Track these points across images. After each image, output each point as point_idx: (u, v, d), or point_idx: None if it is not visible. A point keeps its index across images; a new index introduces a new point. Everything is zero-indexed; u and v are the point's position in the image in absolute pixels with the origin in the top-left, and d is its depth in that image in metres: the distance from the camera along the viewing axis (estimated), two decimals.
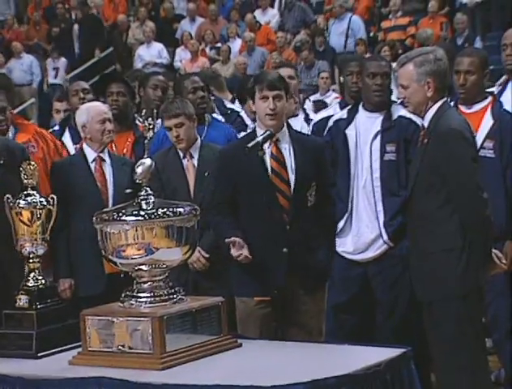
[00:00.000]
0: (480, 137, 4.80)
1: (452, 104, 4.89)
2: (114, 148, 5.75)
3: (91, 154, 5.34)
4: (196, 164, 5.22)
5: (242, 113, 6.54)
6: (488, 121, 5.07)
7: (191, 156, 5.25)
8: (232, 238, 4.40)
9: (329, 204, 4.71)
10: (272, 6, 15.28)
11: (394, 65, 5.45)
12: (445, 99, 4.41)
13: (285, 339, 4.40)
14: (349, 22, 13.77)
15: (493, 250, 4.39)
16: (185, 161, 5.24)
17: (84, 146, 5.39)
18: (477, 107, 5.13)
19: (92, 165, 5.32)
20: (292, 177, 4.52)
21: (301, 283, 4.49)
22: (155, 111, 4.14)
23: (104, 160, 5.34)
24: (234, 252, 4.40)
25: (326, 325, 5.12)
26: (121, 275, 4.36)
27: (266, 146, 4.52)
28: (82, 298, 5.05)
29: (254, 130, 4.64)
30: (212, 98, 6.80)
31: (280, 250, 4.46)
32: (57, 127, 6.43)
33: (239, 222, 4.53)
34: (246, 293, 4.54)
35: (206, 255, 5.05)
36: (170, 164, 5.21)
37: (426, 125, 4.40)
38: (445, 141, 4.29)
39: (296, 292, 4.50)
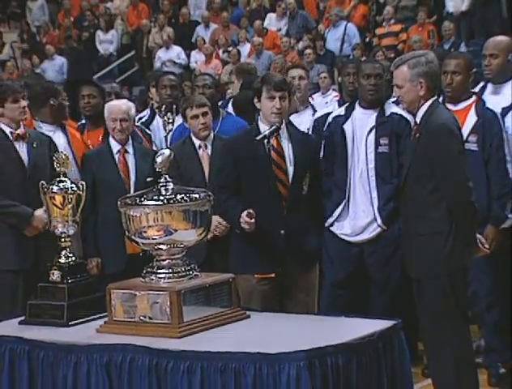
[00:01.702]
0: (464, 132, 4.77)
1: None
2: (89, 142, 5.69)
3: (115, 146, 5.34)
4: (210, 154, 5.22)
5: None
6: (472, 118, 5.04)
7: (205, 147, 5.25)
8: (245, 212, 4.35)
9: (320, 195, 4.69)
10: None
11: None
12: (435, 97, 4.38)
13: (285, 312, 4.39)
14: (345, 29, 13.73)
15: (477, 235, 4.37)
16: (200, 151, 5.24)
17: (110, 138, 5.39)
18: (462, 105, 5.09)
19: (116, 156, 5.31)
20: (290, 168, 4.48)
21: (297, 261, 4.48)
22: (174, 107, 4.12)
23: (127, 152, 5.34)
24: (245, 220, 4.33)
25: (325, 300, 5.14)
26: (140, 255, 4.36)
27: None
28: (106, 275, 5.06)
29: (257, 124, 4.59)
30: None
31: (278, 232, 4.45)
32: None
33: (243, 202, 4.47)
34: (247, 270, 4.49)
35: (224, 221, 4.94)
36: (187, 154, 5.20)
37: (418, 121, 4.37)
38: (436, 136, 4.27)
39: (293, 270, 4.48)
